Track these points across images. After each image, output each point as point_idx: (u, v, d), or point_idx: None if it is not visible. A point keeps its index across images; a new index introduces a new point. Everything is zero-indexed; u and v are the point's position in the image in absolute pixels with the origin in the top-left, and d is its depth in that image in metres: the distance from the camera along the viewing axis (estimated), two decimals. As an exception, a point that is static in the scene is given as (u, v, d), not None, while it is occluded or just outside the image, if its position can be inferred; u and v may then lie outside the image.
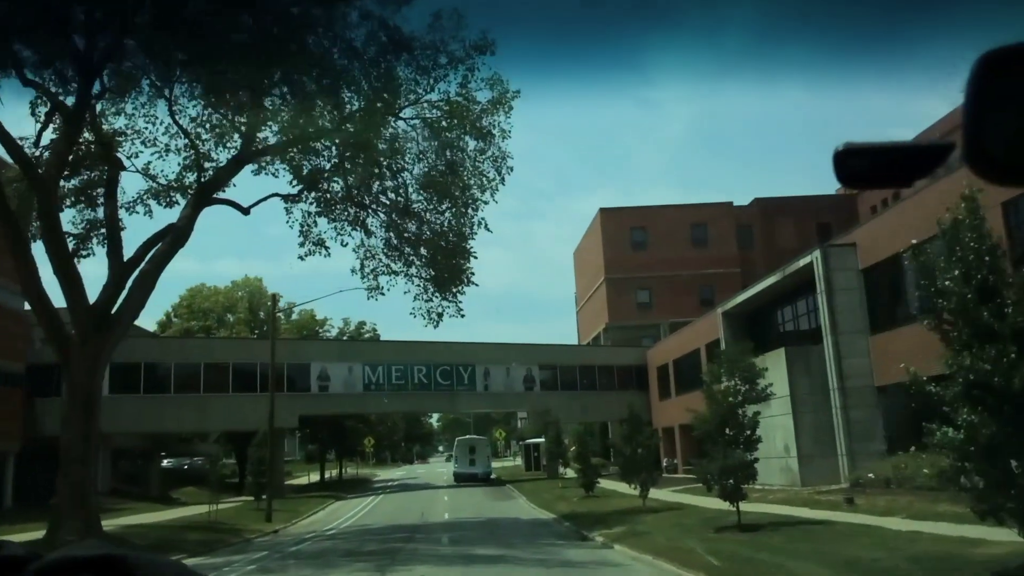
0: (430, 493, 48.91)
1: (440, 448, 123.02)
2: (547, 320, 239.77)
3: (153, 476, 47.26)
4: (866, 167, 1.43)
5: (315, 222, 28.28)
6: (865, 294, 29.03)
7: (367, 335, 62.85)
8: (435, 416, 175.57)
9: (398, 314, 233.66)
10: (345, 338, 62.41)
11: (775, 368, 32.36)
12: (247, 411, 47.51)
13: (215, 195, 25.80)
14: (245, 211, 27.65)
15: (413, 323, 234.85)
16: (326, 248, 28.37)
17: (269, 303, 61.21)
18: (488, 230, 28.16)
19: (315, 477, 65.84)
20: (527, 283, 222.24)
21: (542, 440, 65.43)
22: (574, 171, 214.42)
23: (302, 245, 28.13)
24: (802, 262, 32.72)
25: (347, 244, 28.66)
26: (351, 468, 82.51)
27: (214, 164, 25.62)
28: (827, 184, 66.19)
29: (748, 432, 18.16)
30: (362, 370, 51.20)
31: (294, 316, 62.29)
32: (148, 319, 64.15)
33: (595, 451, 62.93)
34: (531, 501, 37.89)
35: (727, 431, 17.94)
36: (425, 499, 44.07)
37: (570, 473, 55.57)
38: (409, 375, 52.62)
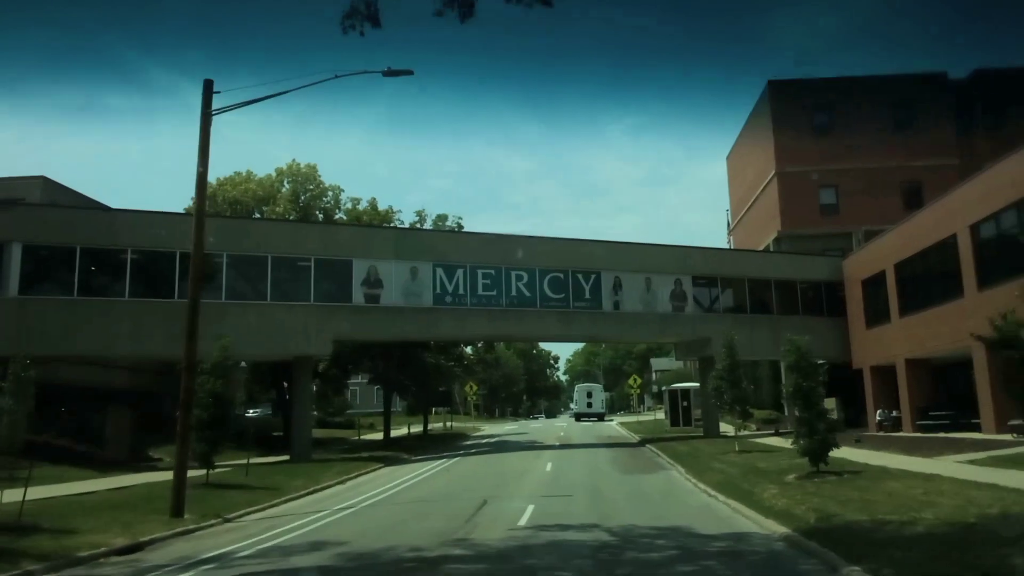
0: (529, 457, 31.82)
1: (571, 404, 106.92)
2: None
3: (115, 427, 31.88)
4: None
5: None
6: None
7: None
8: (562, 368, 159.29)
9: (497, 202, 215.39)
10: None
11: None
12: (263, 327, 31.82)
13: None
14: None
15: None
16: None
17: (313, 189, 45.49)
18: None
19: (406, 431, 50.41)
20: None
21: (694, 385, 47.52)
22: (703, 138, 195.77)
23: None
24: None
25: None
26: (453, 422, 66.65)
27: None
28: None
29: None
30: (432, 273, 34.37)
31: (343, 196, 45.91)
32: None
33: (759, 401, 44.72)
34: (698, 478, 20.39)
35: None
36: (514, 467, 27.00)
37: (732, 430, 38.14)
38: (503, 284, 35.52)
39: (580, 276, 36.84)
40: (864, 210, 45.86)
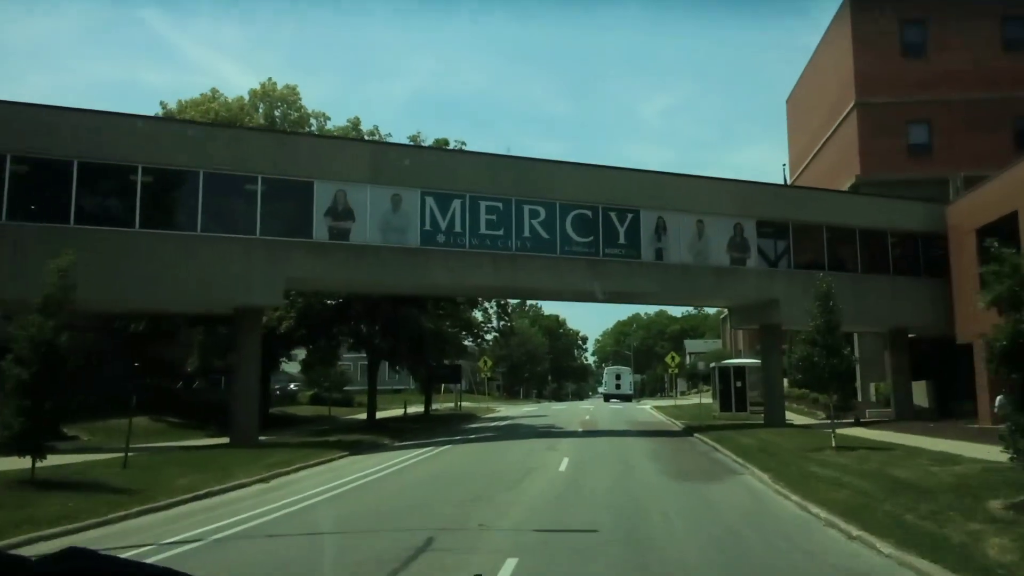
0: (540, 448, 23.56)
1: (600, 388, 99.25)
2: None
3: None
4: None
5: None
6: None
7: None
8: (590, 348, 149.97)
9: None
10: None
11: None
12: (190, 266, 24.04)
13: None
14: None
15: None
16: None
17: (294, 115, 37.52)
18: None
19: (403, 411, 42.30)
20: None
21: (753, 362, 39.04)
22: (737, 121, 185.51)
23: None
24: None
25: None
26: (463, 402, 58.40)
27: None
28: None
29: None
30: (419, 203, 26.11)
31: (329, 125, 37.94)
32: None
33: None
34: (800, 492, 12.25)
35: None
36: (515, 465, 18.77)
37: (798, 418, 30.50)
38: (513, 221, 27.23)
39: (613, 215, 28.44)
40: (964, 150, 36.90)
